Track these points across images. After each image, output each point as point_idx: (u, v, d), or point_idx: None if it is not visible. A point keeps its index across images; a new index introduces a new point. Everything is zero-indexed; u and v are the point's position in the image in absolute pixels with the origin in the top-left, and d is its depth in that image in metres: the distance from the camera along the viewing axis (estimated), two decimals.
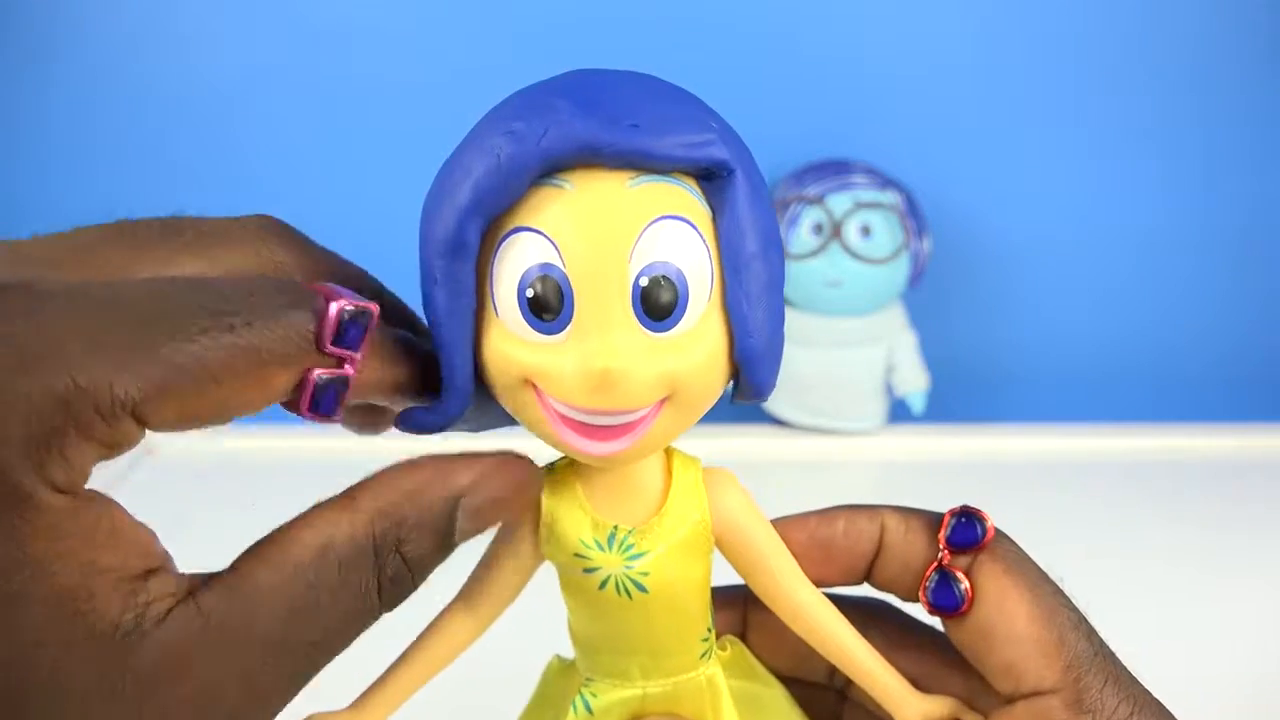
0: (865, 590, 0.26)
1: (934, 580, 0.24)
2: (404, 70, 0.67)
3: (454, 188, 0.21)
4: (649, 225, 0.21)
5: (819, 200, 0.64)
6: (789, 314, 0.67)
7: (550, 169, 0.20)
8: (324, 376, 0.19)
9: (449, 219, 0.21)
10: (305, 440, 0.68)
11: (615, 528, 0.24)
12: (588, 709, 0.26)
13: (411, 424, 0.23)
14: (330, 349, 0.19)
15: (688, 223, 0.21)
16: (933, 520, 0.25)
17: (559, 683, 0.27)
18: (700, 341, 0.21)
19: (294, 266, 0.23)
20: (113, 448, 0.18)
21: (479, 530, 0.21)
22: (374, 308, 0.20)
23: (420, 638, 0.25)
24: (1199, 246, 0.71)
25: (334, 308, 0.19)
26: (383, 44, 0.67)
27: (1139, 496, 0.62)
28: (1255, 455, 0.66)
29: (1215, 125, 0.68)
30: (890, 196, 0.65)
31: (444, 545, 0.21)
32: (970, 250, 0.71)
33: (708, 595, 0.25)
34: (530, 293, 0.21)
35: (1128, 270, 0.72)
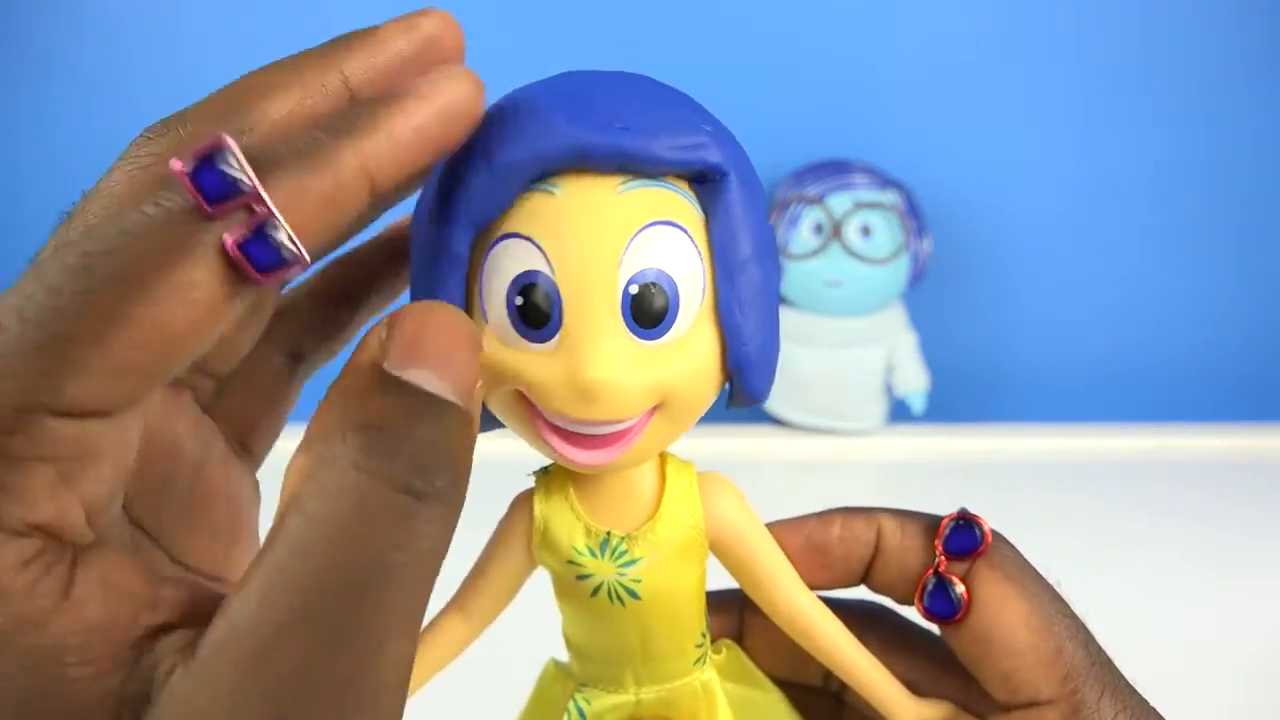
0: (862, 593, 0.26)
1: (930, 586, 0.24)
2: None
3: (444, 197, 0.20)
4: (639, 231, 0.20)
5: (819, 200, 0.64)
6: (789, 314, 0.67)
7: (540, 175, 0.20)
8: (241, 234, 0.16)
9: (439, 229, 0.20)
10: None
11: (608, 534, 0.23)
12: (581, 715, 0.25)
13: None
14: (211, 207, 0.16)
15: (679, 228, 0.20)
16: (930, 524, 0.24)
17: (554, 687, 0.27)
18: (692, 349, 0.21)
19: None
20: (65, 460, 0.15)
21: None
22: (223, 140, 0.16)
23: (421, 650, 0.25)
24: (1199, 246, 0.71)
25: (175, 163, 0.16)
26: None
27: (1139, 496, 0.61)
28: (1255, 455, 0.66)
29: (1215, 125, 0.68)
30: (890, 196, 0.65)
31: None
32: (970, 250, 0.71)
33: (702, 601, 0.25)
34: (519, 300, 0.20)
35: (1128, 270, 0.72)
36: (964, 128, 0.69)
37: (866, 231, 0.65)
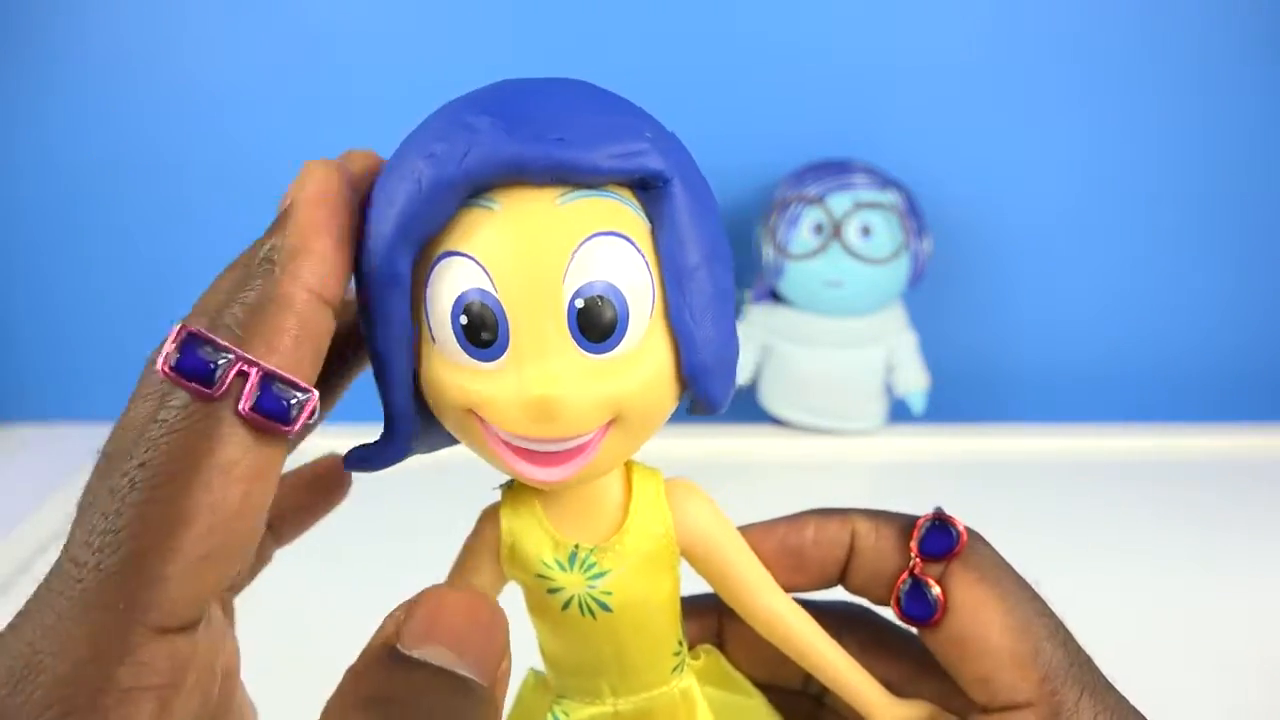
0: (840, 593, 0.26)
1: (906, 588, 0.23)
2: (402, 72, 0.67)
3: (379, 217, 0.20)
4: (581, 244, 0.20)
5: (819, 200, 0.64)
6: (789, 314, 0.67)
7: (476, 190, 0.20)
8: (250, 398, 0.18)
9: (377, 250, 0.20)
10: (305, 440, 0.68)
11: (576, 547, 0.23)
12: None
13: (360, 462, 0.22)
14: (209, 389, 0.17)
15: (623, 238, 0.20)
16: (905, 525, 0.24)
17: (534, 697, 0.27)
18: (644, 361, 0.20)
19: None
20: (163, 688, 0.16)
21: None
22: (186, 328, 0.18)
23: None
24: (1199, 246, 0.71)
25: (160, 366, 0.18)
26: (380, 47, 0.67)
27: (1139, 496, 0.61)
28: (1255, 455, 0.66)
29: (1216, 126, 0.68)
30: (890, 196, 0.65)
31: None
32: (970, 250, 0.71)
33: (676, 609, 0.24)
34: (464, 320, 0.20)
35: (1128, 270, 0.72)
36: (964, 128, 0.69)
37: (866, 231, 0.64)
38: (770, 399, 0.69)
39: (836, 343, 0.67)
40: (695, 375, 0.21)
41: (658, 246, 0.20)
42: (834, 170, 0.65)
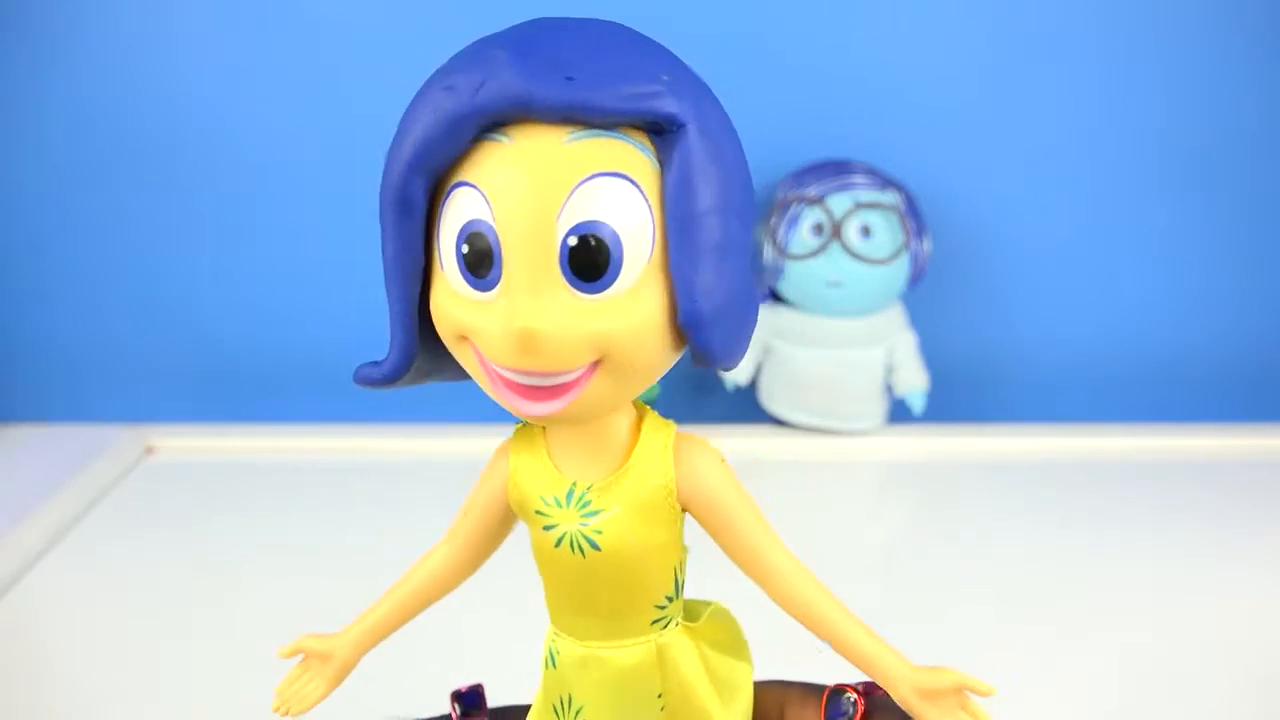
0: None
1: None
2: (401, 66, 0.67)
3: (399, 143, 0.21)
4: (582, 183, 0.20)
5: (819, 200, 0.64)
6: (789, 314, 0.67)
7: (490, 124, 0.20)
8: None
9: (395, 174, 0.21)
10: (305, 440, 0.68)
11: (574, 484, 0.24)
12: (553, 663, 0.26)
13: (362, 378, 0.24)
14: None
15: (627, 179, 0.20)
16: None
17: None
18: (635, 304, 0.20)
19: None
20: None
21: None
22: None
23: (405, 575, 0.27)
24: (1199, 246, 0.71)
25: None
26: (381, 40, 0.67)
27: (1139, 496, 0.61)
28: (1255, 455, 0.66)
29: (1217, 127, 0.68)
30: (890, 196, 0.65)
31: None
32: (970, 250, 0.71)
33: (670, 562, 0.25)
34: (465, 249, 0.20)
35: (1128, 270, 0.72)
36: (964, 128, 0.69)
37: (866, 232, 0.65)
38: (770, 399, 0.69)
39: (836, 343, 0.67)
40: (691, 324, 0.21)
41: (664, 191, 0.20)
42: (834, 170, 0.65)
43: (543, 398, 0.21)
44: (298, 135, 0.68)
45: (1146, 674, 0.45)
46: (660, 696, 0.25)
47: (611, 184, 0.20)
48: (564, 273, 0.20)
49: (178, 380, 0.73)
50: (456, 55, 0.21)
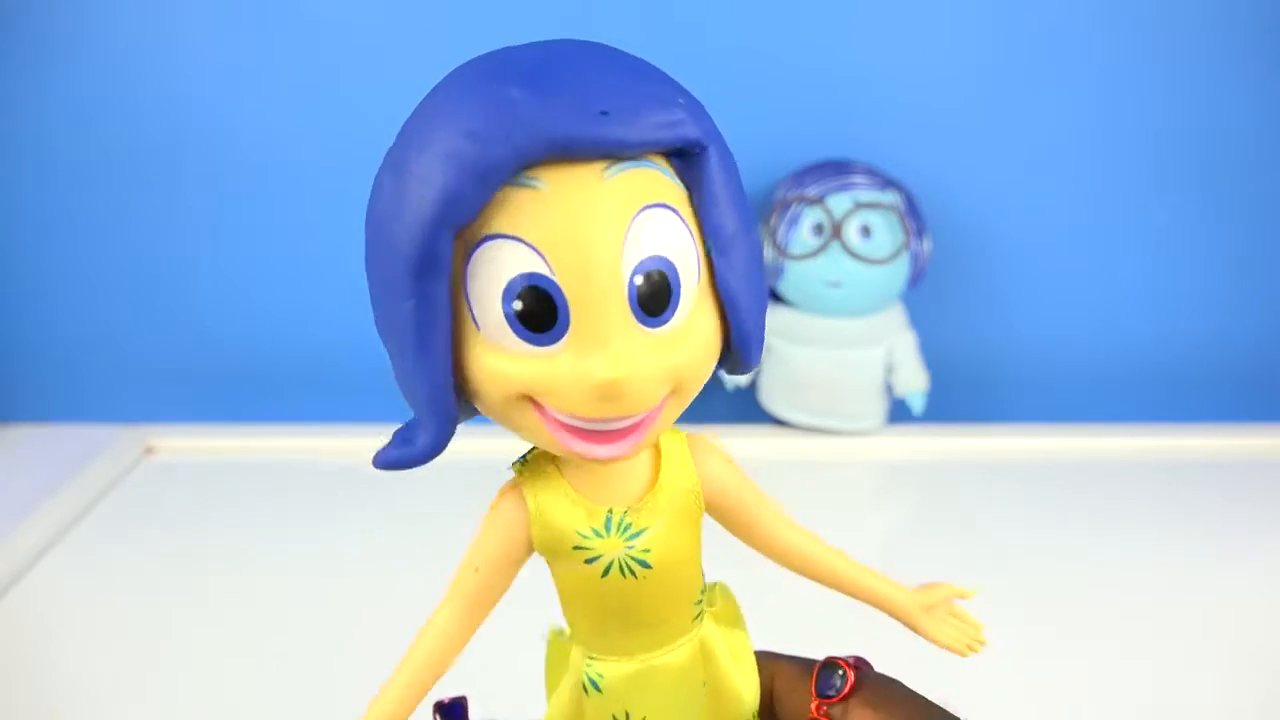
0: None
1: None
2: (403, 65, 0.67)
3: (416, 199, 0.19)
4: (634, 218, 0.19)
5: (819, 200, 0.64)
6: (789, 314, 0.67)
7: (520, 169, 0.19)
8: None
9: (415, 233, 0.19)
10: (305, 440, 0.68)
11: (610, 511, 0.23)
12: (596, 688, 0.25)
13: (386, 461, 0.22)
14: None
15: (669, 209, 0.20)
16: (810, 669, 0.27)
17: (564, 655, 0.27)
18: (696, 330, 0.21)
19: None
20: None
21: None
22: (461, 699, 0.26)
23: (413, 644, 0.24)
24: (1198, 246, 0.71)
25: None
26: (381, 40, 0.67)
27: (1139, 496, 0.61)
28: (1255, 455, 0.66)
29: (1218, 127, 0.68)
30: (890, 196, 0.65)
31: None
32: (970, 250, 0.71)
33: (700, 559, 0.25)
34: (519, 305, 0.19)
35: (1128, 271, 0.72)
36: (964, 128, 0.69)
37: (866, 232, 0.64)
38: (770, 399, 0.69)
39: (836, 343, 0.67)
40: (742, 340, 0.21)
41: (699, 214, 0.21)
42: (834, 170, 0.65)
43: (614, 439, 0.21)
44: (298, 135, 0.68)
45: (1146, 674, 0.45)
46: (704, 685, 0.26)
47: (658, 214, 0.20)
48: (634, 313, 0.20)
49: (177, 380, 0.73)
50: (457, 98, 0.19)
